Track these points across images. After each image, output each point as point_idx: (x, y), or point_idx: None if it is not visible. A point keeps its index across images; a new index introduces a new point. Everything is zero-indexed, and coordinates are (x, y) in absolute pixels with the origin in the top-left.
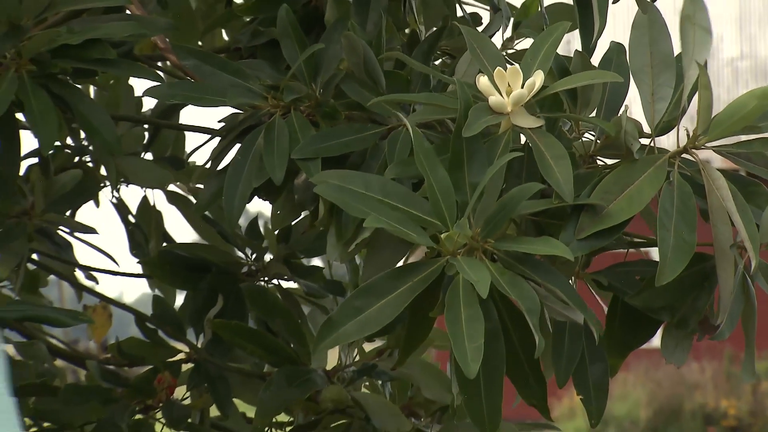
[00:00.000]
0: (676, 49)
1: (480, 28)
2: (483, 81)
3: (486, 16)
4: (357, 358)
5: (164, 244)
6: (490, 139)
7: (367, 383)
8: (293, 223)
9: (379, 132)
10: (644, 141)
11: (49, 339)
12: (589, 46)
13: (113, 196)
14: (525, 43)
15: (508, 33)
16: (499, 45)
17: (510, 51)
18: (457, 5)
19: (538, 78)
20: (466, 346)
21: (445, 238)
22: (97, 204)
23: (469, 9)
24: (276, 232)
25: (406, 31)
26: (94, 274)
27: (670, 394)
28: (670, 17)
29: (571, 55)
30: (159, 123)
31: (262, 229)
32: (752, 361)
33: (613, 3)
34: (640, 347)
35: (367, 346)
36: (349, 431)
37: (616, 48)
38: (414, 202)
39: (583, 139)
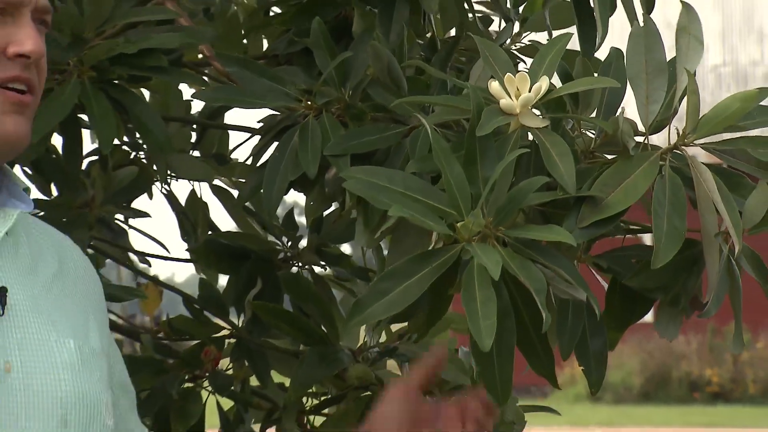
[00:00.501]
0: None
1: (491, 28)
2: (494, 85)
3: (496, 17)
4: (384, 339)
5: (209, 232)
6: (501, 137)
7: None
8: (325, 214)
9: (401, 131)
10: (639, 139)
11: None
12: (590, 54)
13: (164, 188)
14: (531, 37)
15: (516, 28)
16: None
17: (519, 45)
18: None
19: (543, 83)
20: (481, 323)
21: (461, 227)
22: (150, 196)
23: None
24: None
25: (427, 35)
26: (148, 258)
27: (659, 364)
28: (661, 29)
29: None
30: (205, 123)
31: (297, 219)
32: (740, 334)
33: (609, 16)
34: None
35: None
36: (371, 405)
37: (615, 54)
38: (432, 194)
39: (585, 136)
